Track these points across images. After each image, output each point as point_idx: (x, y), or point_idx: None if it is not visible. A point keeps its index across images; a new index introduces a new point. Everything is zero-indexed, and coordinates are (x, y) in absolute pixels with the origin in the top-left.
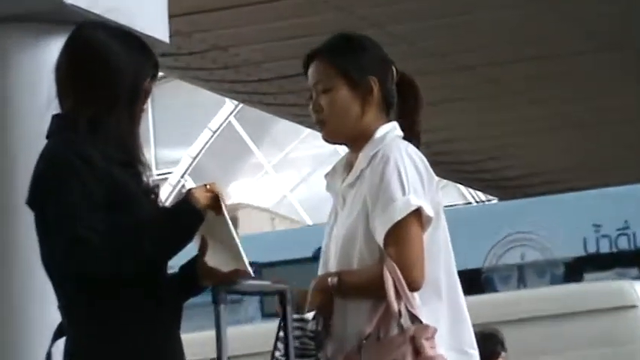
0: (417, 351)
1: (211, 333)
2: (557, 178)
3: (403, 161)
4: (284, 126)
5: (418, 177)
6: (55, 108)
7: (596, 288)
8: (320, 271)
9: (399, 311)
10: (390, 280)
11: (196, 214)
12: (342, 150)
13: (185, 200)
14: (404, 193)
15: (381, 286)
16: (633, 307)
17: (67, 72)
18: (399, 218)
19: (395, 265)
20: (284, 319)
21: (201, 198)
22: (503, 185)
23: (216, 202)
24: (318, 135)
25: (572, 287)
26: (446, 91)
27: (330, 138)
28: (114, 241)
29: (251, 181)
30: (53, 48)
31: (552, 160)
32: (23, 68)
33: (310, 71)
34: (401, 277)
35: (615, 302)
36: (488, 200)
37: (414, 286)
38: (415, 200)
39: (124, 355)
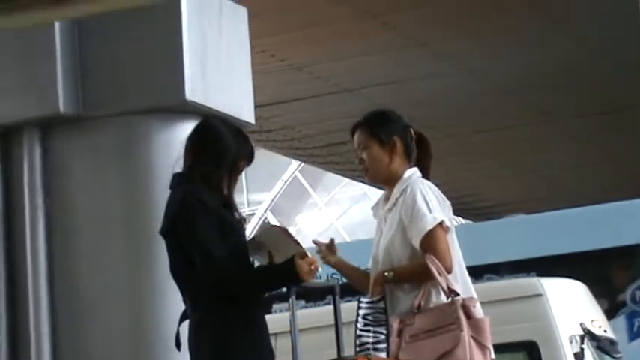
0: (468, 315)
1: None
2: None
3: (427, 192)
4: (331, 177)
5: (437, 202)
6: (179, 168)
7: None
8: (372, 271)
9: (446, 287)
10: (434, 267)
11: (293, 281)
12: (372, 193)
13: (293, 274)
14: (430, 212)
15: (425, 272)
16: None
17: (191, 146)
18: (430, 228)
19: (433, 256)
20: (335, 305)
21: (306, 274)
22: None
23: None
24: (354, 182)
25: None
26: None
27: (372, 180)
28: (236, 272)
29: (310, 214)
30: (178, 132)
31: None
32: (159, 144)
33: (355, 137)
34: (440, 264)
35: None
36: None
37: (448, 271)
38: (439, 216)
39: (236, 338)
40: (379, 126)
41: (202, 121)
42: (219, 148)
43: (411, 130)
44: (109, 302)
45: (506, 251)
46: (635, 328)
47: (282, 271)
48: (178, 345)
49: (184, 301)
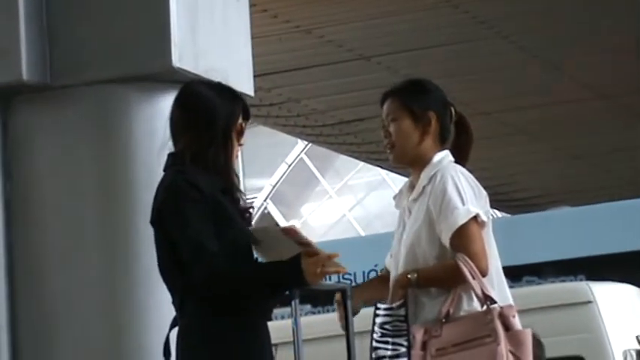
0: (506, 326)
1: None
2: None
3: (460, 179)
4: (343, 160)
5: (472, 191)
6: (169, 148)
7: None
8: (392, 271)
9: (480, 293)
10: (466, 269)
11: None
12: (392, 179)
13: (297, 274)
14: (463, 204)
15: (455, 275)
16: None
17: (178, 119)
18: (463, 222)
19: (466, 256)
20: (345, 310)
21: (313, 277)
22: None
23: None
24: (371, 167)
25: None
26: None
27: (396, 161)
28: (234, 276)
29: (318, 204)
30: (165, 102)
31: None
32: (141, 119)
33: (385, 106)
34: (474, 266)
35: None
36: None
37: (483, 274)
38: (473, 208)
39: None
40: (414, 97)
41: (181, 89)
42: (207, 117)
43: (452, 109)
44: (80, 306)
45: (549, 250)
46: None
47: (283, 272)
48: (167, 355)
49: (173, 303)
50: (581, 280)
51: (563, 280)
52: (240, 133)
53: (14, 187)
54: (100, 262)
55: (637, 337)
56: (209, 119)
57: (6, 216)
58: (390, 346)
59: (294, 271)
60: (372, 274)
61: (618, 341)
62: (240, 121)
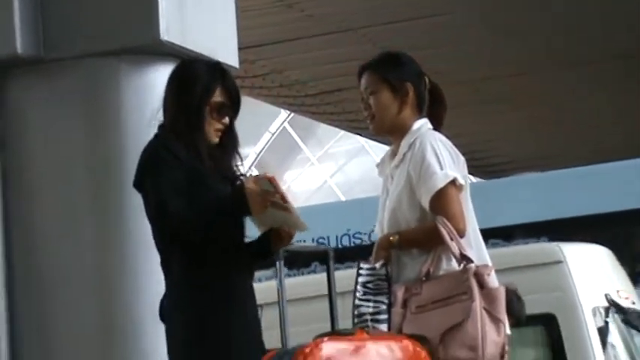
0: (481, 284)
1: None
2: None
3: (438, 145)
4: (324, 129)
5: (450, 157)
6: (159, 119)
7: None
8: (378, 234)
9: (457, 253)
10: (445, 231)
11: (242, 213)
12: (371, 147)
13: (242, 204)
14: (442, 168)
15: (435, 236)
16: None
17: (167, 92)
18: (441, 186)
19: (444, 218)
20: (328, 272)
21: (255, 204)
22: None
23: (279, 196)
24: (351, 135)
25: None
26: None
27: (376, 131)
28: (190, 218)
29: (300, 171)
30: (154, 74)
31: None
32: (131, 90)
33: (362, 79)
34: (452, 227)
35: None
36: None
37: (461, 235)
38: (451, 173)
39: (209, 302)
40: (391, 69)
41: (176, 68)
42: (181, 92)
43: (426, 79)
44: (73, 276)
45: (518, 213)
46: None
47: (229, 200)
48: (163, 317)
49: (161, 264)
50: (544, 241)
51: (531, 242)
52: (216, 110)
53: (8, 157)
54: (92, 229)
55: (606, 295)
56: (186, 93)
57: (1, 185)
58: (371, 304)
59: (238, 199)
60: (345, 238)
61: (588, 299)
62: (217, 98)
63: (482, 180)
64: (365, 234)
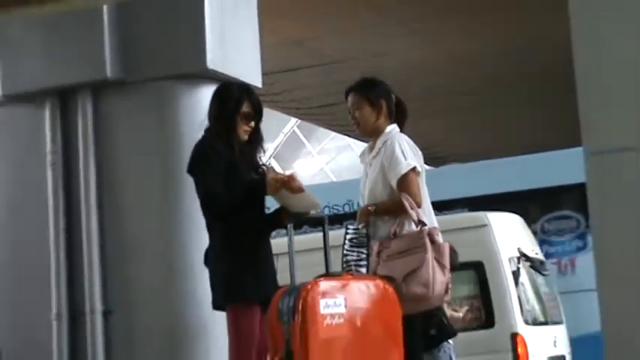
0: (432, 241)
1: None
2: None
3: (402, 143)
4: (322, 131)
5: (411, 151)
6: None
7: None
8: (360, 204)
9: (416, 219)
10: (407, 203)
11: (262, 193)
12: (355, 144)
13: (262, 185)
14: (405, 159)
15: (400, 207)
16: (485, 225)
17: (210, 105)
18: (405, 172)
19: (407, 194)
20: (324, 232)
21: (271, 187)
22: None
23: (287, 185)
24: (341, 136)
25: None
26: None
27: (361, 133)
28: (227, 198)
29: (305, 161)
30: (201, 93)
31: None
32: (186, 104)
33: (349, 98)
34: (412, 201)
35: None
36: None
37: (418, 206)
38: (412, 162)
39: (240, 253)
40: (369, 90)
41: (218, 88)
42: (220, 105)
43: (393, 95)
44: (147, 237)
45: (456, 191)
46: (544, 252)
47: (255, 183)
48: (207, 262)
49: (207, 229)
50: (464, 212)
51: (462, 212)
52: (245, 117)
53: (101, 154)
54: (161, 205)
55: (518, 248)
56: (222, 106)
57: (97, 175)
58: (355, 254)
59: (261, 182)
60: (326, 210)
61: (505, 251)
62: (245, 109)
63: (434, 167)
64: (347, 205)
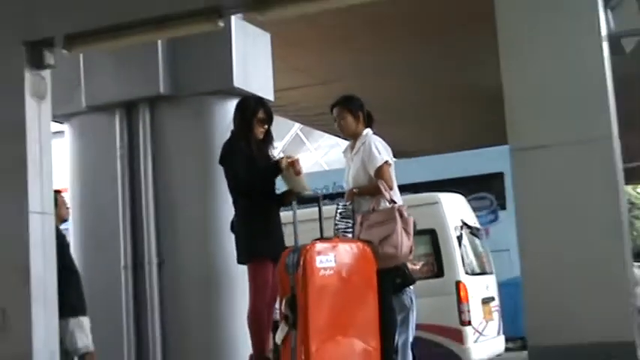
0: (401, 215)
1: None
2: None
3: (377, 143)
4: (318, 133)
5: (384, 148)
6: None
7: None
8: (346, 188)
9: (389, 198)
10: (382, 186)
11: (278, 169)
12: (341, 143)
13: (276, 163)
14: (380, 154)
15: (377, 189)
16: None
17: (235, 114)
18: (380, 164)
19: (382, 180)
20: (319, 207)
21: (283, 163)
22: None
23: (293, 165)
24: (332, 137)
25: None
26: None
27: (345, 136)
28: (248, 181)
29: (306, 154)
30: (229, 105)
31: None
32: (218, 114)
33: (334, 111)
34: (385, 185)
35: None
36: None
37: (390, 189)
38: (385, 157)
39: (257, 222)
40: (350, 104)
41: (240, 101)
42: (242, 113)
43: (365, 108)
44: (190, 208)
45: (415, 176)
46: None
47: (272, 165)
48: (232, 229)
49: (233, 203)
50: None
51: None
52: (260, 121)
53: (158, 153)
54: (202, 191)
55: (461, 219)
56: (243, 113)
57: (154, 169)
58: (343, 224)
59: (276, 162)
60: (322, 190)
61: (452, 221)
62: (260, 115)
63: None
64: (336, 187)
